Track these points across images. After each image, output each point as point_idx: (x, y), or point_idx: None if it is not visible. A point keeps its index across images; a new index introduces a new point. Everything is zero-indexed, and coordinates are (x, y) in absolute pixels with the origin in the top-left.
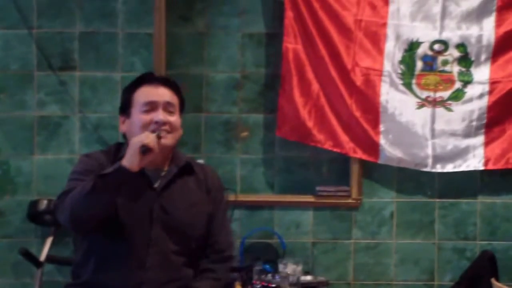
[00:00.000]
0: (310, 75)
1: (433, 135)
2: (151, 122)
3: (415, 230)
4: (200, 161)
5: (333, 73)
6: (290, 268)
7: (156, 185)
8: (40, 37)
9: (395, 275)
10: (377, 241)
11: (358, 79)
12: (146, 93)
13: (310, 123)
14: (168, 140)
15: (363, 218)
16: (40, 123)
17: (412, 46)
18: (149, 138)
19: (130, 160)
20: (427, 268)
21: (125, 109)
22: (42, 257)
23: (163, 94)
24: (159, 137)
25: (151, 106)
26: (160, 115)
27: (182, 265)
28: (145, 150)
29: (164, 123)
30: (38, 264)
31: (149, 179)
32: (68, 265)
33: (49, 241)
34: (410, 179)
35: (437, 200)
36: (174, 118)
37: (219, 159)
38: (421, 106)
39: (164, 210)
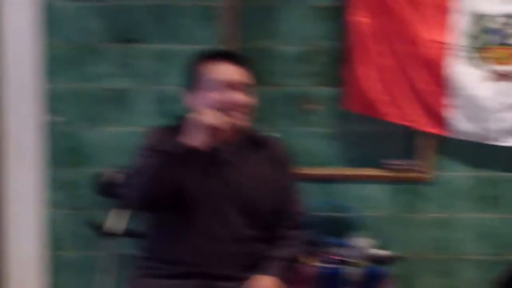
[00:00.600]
0: (377, 48)
1: (503, 109)
2: (227, 102)
3: (489, 204)
4: (270, 134)
5: (401, 46)
6: (361, 243)
7: (226, 159)
8: (110, 10)
9: (468, 250)
10: (450, 215)
11: (426, 53)
12: (224, 72)
13: (378, 97)
14: (245, 122)
15: (436, 192)
16: (109, 96)
17: (480, 19)
18: (217, 117)
19: (196, 139)
20: (502, 243)
21: (194, 83)
22: (112, 229)
23: (241, 74)
24: (233, 118)
25: (229, 86)
26: (240, 97)
27: (253, 239)
28: (212, 129)
29: (243, 105)
30: (107, 236)
31: (219, 154)
32: (140, 238)
33: (119, 213)
34: (483, 153)
35: (509, 173)
36: (252, 100)
37: (287, 132)
38: (490, 79)
39: (234, 183)
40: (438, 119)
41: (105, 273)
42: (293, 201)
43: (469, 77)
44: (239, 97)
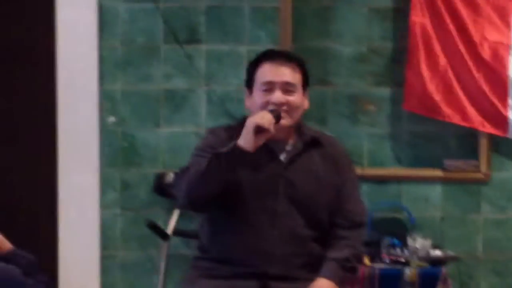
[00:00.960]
0: (437, 49)
1: None
2: (268, 103)
3: None
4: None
5: (461, 47)
6: (419, 243)
7: (281, 158)
8: (166, 11)
9: None
10: (507, 216)
11: (486, 53)
12: (266, 72)
13: (437, 97)
14: (286, 121)
15: (493, 192)
16: (166, 96)
17: None
18: (264, 118)
19: (245, 140)
20: None
21: (249, 84)
22: (169, 230)
23: (282, 73)
24: (278, 118)
25: (269, 86)
26: (277, 97)
27: (309, 240)
28: (259, 130)
29: (282, 103)
30: (164, 237)
31: (274, 153)
32: (195, 238)
33: (175, 213)
34: None
35: None
36: (294, 98)
37: (345, 133)
38: None
39: (290, 183)
40: (498, 119)
41: (160, 274)
42: (351, 200)
43: None
44: (278, 96)
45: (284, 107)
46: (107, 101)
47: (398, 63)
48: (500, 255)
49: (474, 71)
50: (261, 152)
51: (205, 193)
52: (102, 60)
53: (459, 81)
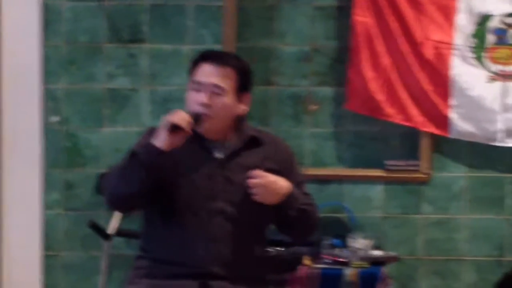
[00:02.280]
0: (380, 48)
1: (505, 109)
2: (195, 102)
3: (486, 205)
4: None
5: (404, 46)
6: (359, 243)
7: (218, 157)
8: (109, 9)
9: (465, 250)
10: (448, 216)
11: (429, 53)
12: (199, 72)
13: (380, 97)
14: (207, 123)
15: (434, 193)
16: (109, 96)
17: (484, 19)
18: (179, 116)
19: (159, 139)
20: (498, 244)
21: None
22: (111, 230)
23: (211, 75)
24: (197, 119)
25: (198, 86)
26: (201, 97)
27: (248, 239)
28: (174, 128)
29: (205, 105)
30: (106, 237)
31: (210, 152)
32: (137, 238)
33: (117, 214)
34: (481, 154)
35: (508, 175)
36: (220, 101)
37: (287, 132)
38: (492, 80)
39: (227, 180)
40: (440, 119)
41: (102, 274)
42: (300, 189)
43: (471, 77)
44: (202, 98)
45: (207, 110)
46: (50, 101)
47: (341, 62)
48: (440, 255)
49: (417, 71)
50: (198, 152)
51: (125, 193)
52: (45, 59)
53: (402, 80)
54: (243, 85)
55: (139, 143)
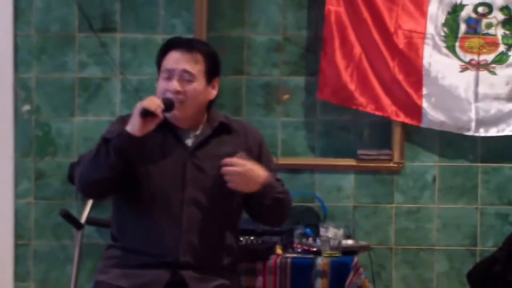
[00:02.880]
0: (352, 38)
1: (477, 99)
2: (166, 90)
3: (457, 195)
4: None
5: (376, 36)
6: (331, 232)
7: (188, 144)
8: None
9: (437, 240)
10: (419, 205)
11: (401, 42)
12: (168, 60)
13: (352, 86)
14: (180, 110)
15: (405, 182)
16: (81, 85)
17: (456, 8)
18: (151, 102)
19: (131, 124)
20: (470, 233)
21: (158, 72)
22: (82, 219)
23: (181, 62)
24: (170, 105)
25: (169, 74)
26: (172, 85)
27: (219, 227)
28: (146, 114)
29: (177, 92)
30: (78, 226)
31: (180, 139)
32: (108, 227)
33: (89, 203)
34: (453, 143)
35: (480, 164)
36: (191, 87)
37: (259, 122)
38: (464, 69)
39: (197, 169)
40: (412, 109)
41: (74, 263)
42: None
43: (443, 67)
44: (174, 85)
45: (180, 96)
46: (22, 90)
47: (312, 52)
48: (412, 245)
49: (389, 60)
50: (168, 140)
51: (96, 179)
52: (17, 48)
53: (373, 70)
54: (212, 70)
55: (108, 130)
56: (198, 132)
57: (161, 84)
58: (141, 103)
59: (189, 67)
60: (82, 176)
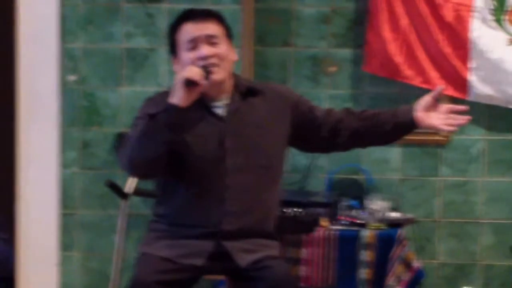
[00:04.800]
0: (399, 10)
1: None
2: (197, 59)
3: (504, 168)
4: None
5: (423, 8)
6: (376, 205)
7: (221, 113)
8: None
9: (483, 213)
10: (466, 179)
11: (449, 15)
12: (187, 31)
13: (399, 59)
14: (218, 73)
15: (452, 155)
16: (127, 55)
17: None
18: (192, 71)
19: (176, 96)
20: None
21: (173, 49)
22: (128, 189)
23: (202, 28)
24: (208, 72)
25: (194, 43)
26: (203, 50)
27: (262, 192)
28: (189, 83)
29: (210, 56)
30: (124, 196)
31: (212, 110)
32: (154, 198)
33: None
34: (500, 117)
35: None
36: (220, 49)
37: (306, 94)
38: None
39: (235, 136)
40: (459, 82)
41: (119, 233)
42: (319, 109)
43: (491, 40)
44: (205, 50)
45: (213, 60)
46: (68, 60)
47: (360, 24)
48: (457, 218)
49: (437, 33)
50: (199, 112)
51: (146, 157)
52: (63, 18)
53: (421, 43)
54: (228, 32)
55: (143, 112)
56: (227, 101)
57: (187, 55)
58: (182, 74)
59: (212, 31)
60: (133, 157)
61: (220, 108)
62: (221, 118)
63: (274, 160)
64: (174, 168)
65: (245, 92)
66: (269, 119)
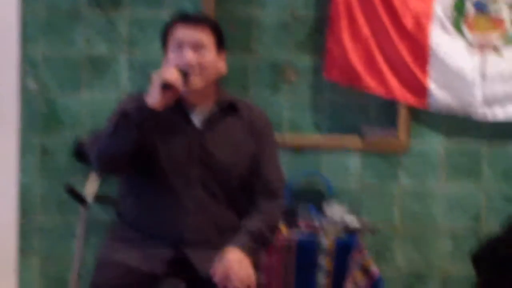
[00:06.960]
0: (360, 18)
1: (483, 80)
2: (180, 62)
3: (463, 175)
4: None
5: (384, 17)
6: (335, 211)
7: (197, 124)
8: None
9: (441, 220)
10: (425, 185)
11: (409, 23)
12: (177, 33)
13: (359, 67)
14: (196, 81)
15: (411, 162)
16: (88, 62)
17: None
18: (170, 73)
19: (151, 96)
20: (474, 214)
21: (164, 48)
22: (88, 195)
23: (191, 33)
24: (185, 76)
25: (180, 46)
26: (186, 56)
27: (224, 208)
28: (165, 85)
29: (192, 63)
30: (83, 202)
31: (189, 118)
32: (113, 205)
33: (94, 179)
34: (459, 124)
35: (486, 145)
36: (205, 58)
37: (266, 101)
38: (471, 50)
39: (204, 149)
40: (419, 90)
41: (79, 239)
42: (269, 167)
43: (452, 48)
44: (187, 56)
45: (194, 67)
46: (29, 66)
47: (320, 32)
48: (417, 226)
49: (397, 42)
50: (176, 117)
51: (116, 154)
52: (24, 24)
53: (381, 51)
54: (220, 42)
55: (122, 108)
56: (206, 111)
57: (172, 56)
58: (160, 74)
59: (200, 38)
60: (101, 151)
61: (198, 117)
62: (195, 128)
63: (239, 178)
64: (142, 169)
65: (226, 107)
66: (241, 139)
